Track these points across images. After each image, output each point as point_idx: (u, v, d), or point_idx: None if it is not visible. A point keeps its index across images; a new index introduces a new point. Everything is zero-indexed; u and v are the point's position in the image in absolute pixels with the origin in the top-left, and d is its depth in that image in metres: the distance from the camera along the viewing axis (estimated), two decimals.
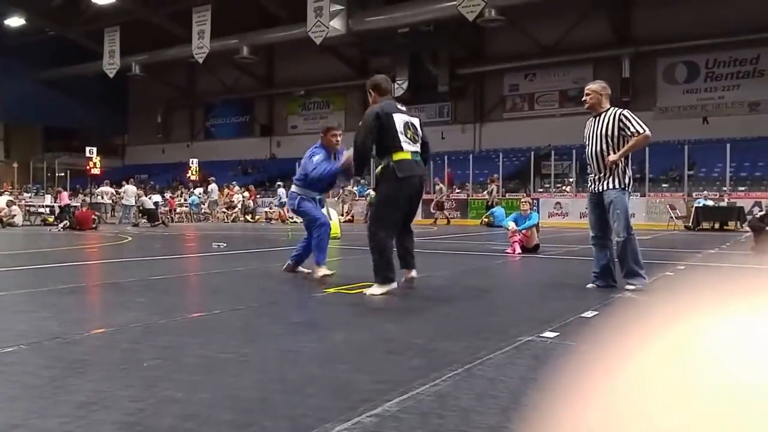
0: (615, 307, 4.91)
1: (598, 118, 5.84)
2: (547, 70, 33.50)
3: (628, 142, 5.67)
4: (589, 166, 6.04)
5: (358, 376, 2.77)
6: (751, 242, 10.68)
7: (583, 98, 5.98)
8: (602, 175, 5.78)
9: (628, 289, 5.59)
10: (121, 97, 46.27)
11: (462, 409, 2.34)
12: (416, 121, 5.71)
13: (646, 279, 5.65)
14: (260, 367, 2.94)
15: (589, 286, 5.93)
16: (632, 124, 5.63)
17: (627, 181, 5.74)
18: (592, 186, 5.94)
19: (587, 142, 5.94)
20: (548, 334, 3.71)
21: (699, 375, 0.32)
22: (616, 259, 5.83)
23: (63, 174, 36.04)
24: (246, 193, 29.06)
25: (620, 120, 5.67)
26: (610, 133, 5.70)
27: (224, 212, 28.08)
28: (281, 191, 26.56)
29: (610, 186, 5.71)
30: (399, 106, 5.69)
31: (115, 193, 25.90)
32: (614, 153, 5.67)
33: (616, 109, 5.80)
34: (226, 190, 29.46)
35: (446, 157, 29.95)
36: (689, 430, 0.30)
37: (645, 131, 5.62)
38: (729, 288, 0.38)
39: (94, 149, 26.73)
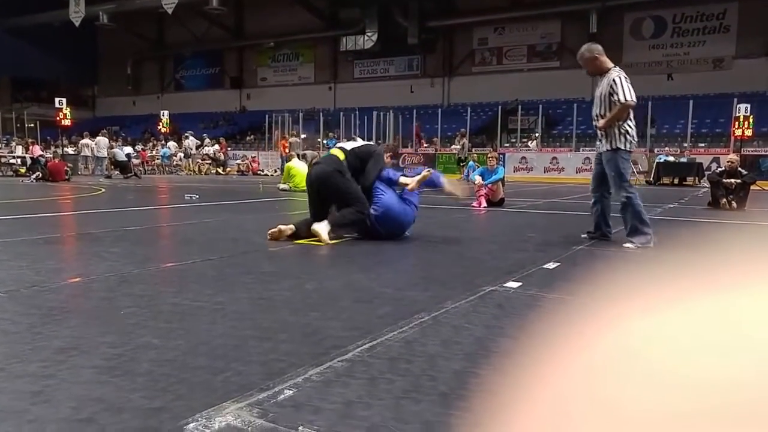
0: (576, 258, 5.07)
1: (600, 79, 5.81)
2: (516, 25, 33.37)
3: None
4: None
5: (328, 323, 2.84)
6: (708, 197, 10.99)
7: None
8: (600, 135, 5.79)
9: (627, 247, 5.54)
10: (90, 48, 44.63)
11: (429, 354, 2.41)
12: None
13: (650, 235, 5.54)
14: (233, 315, 2.99)
15: (583, 236, 6.10)
16: (617, 90, 5.56)
17: (624, 140, 5.65)
18: (598, 144, 5.95)
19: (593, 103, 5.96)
20: (511, 284, 3.81)
21: (651, 323, 0.32)
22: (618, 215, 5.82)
23: (33, 125, 34.95)
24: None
25: (611, 85, 5.61)
26: (604, 96, 5.69)
27: (198, 162, 27.85)
28: None
29: (605, 148, 5.72)
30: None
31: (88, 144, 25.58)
32: (607, 115, 5.64)
33: (614, 72, 5.69)
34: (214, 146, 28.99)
35: (414, 110, 29.85)
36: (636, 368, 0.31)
37: (627, 100, 5.52)
38: (685, 240, 0.40)
39: (64, 100, 26.01)
